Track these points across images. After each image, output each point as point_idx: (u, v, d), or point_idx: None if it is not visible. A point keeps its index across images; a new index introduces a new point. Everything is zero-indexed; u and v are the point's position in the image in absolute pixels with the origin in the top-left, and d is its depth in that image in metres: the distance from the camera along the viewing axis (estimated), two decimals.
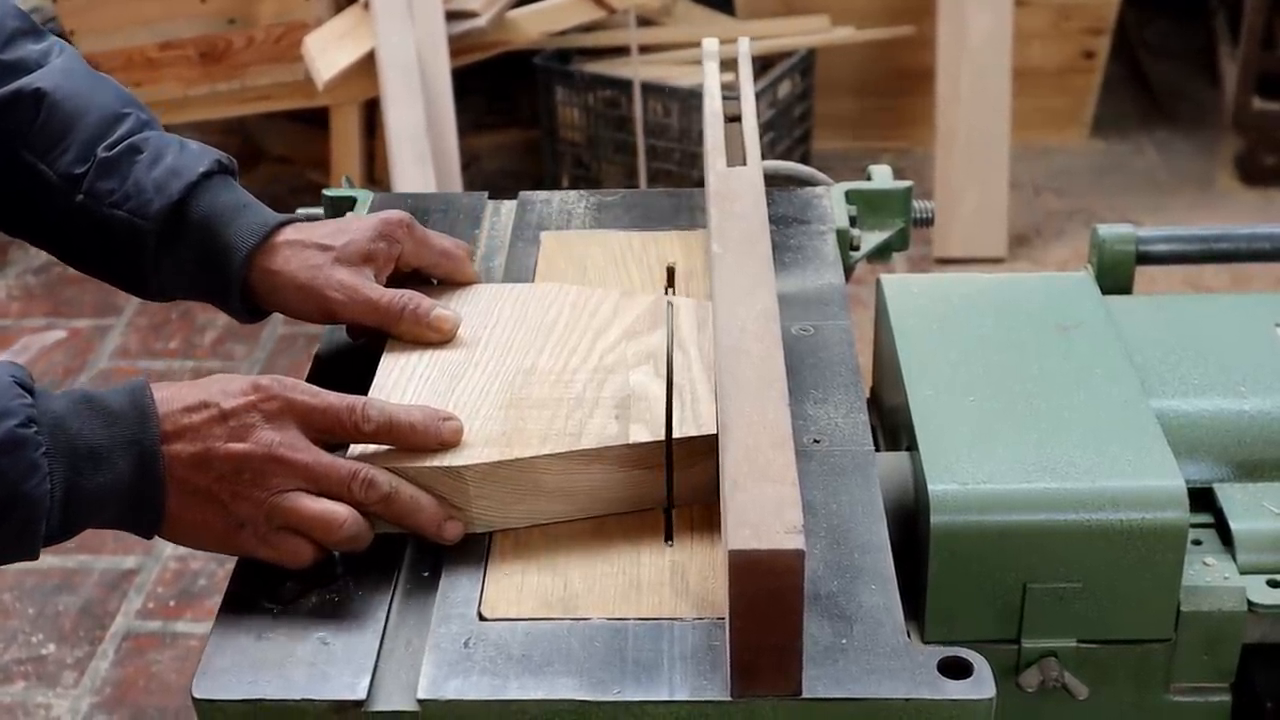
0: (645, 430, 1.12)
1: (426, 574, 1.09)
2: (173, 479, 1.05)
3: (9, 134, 1.26)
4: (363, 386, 1.20)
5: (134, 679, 2.57)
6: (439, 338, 1.24)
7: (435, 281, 1.33)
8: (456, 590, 1.06)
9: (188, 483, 1.05)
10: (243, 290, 1.26)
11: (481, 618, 1.04)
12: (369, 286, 1.25)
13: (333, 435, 1.10)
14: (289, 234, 1.27)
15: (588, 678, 0.98)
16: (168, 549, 2.84)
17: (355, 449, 1.11)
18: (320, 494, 1.07)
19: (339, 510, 1.06)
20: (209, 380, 1.09)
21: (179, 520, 1.06)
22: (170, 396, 1.07)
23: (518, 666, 0.99)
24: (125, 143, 1.27)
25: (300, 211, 1.33)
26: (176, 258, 1.26)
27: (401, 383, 1.20)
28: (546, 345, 1.24)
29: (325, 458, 1.08)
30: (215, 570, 2.79)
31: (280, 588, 1.07)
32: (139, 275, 1.29)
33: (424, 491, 1.09)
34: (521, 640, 1.01)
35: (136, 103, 1.32)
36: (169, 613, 2.71)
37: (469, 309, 1.29)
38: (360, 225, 1.29)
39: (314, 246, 1.25)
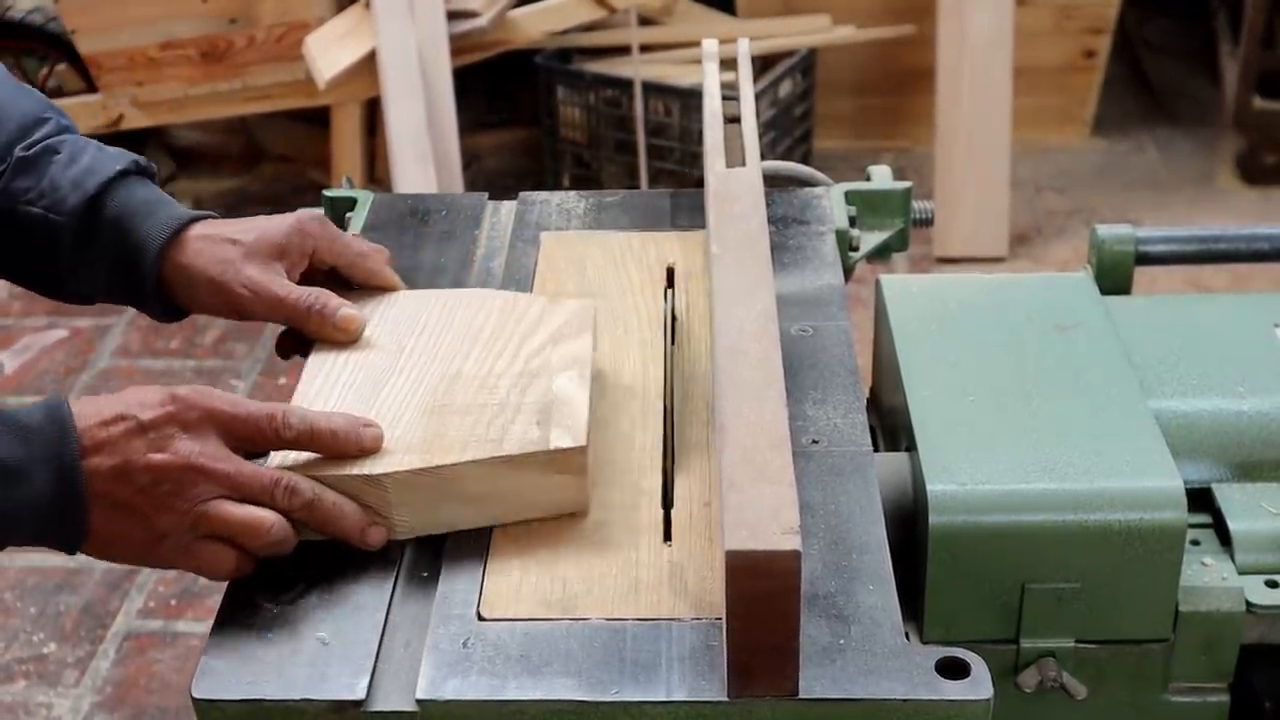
0: (567, 436, 1.11)
1: (425, 574, 1.09)
2: (94, 493, 1.03)
3: None
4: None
5: (135, 678, 2.57)
6: (345, 338, 1.23)
7: (355, 286, 1.31)
8: (455, 590, 1.06)
9: (109, 496, 1.04)
10: (158, 286, 1.25)
11: (480, 618, 1.04)
12: (278, 283, 1.24)
13: (253, 444, 1.09)
14: (201, 229, 1.26)
15: (586, 678, 0.98)
16: None
17: (276, 458, 1.11)
18: (238, 498, 1.06)
19: (265, 515, 1.06)
20: (127, 392, 1.08)
21: (101, 534, 1.05)
22: (87, 412, 1.05)
23: (516, 667, 0.99)
24: (43, 144, 1.27)
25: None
26: (91, 255, 1.26)
27: (325, 389, 1.19)
28: (473, 351, 1.22)
29: (247, 467, 1.07)
30: None
31: (279, 589, 1.07)
32: (55, 275, 1.28)
33: (346, 499, 1.09)
34: (520, 640, 1.02)
35: (58, 110, 1.33)
36: (170, 612, 2.71)
37: (396, 314, 1.28)
38: (273, 221, 1.28)
39: (225, 241, 1.25)
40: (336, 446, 1.10)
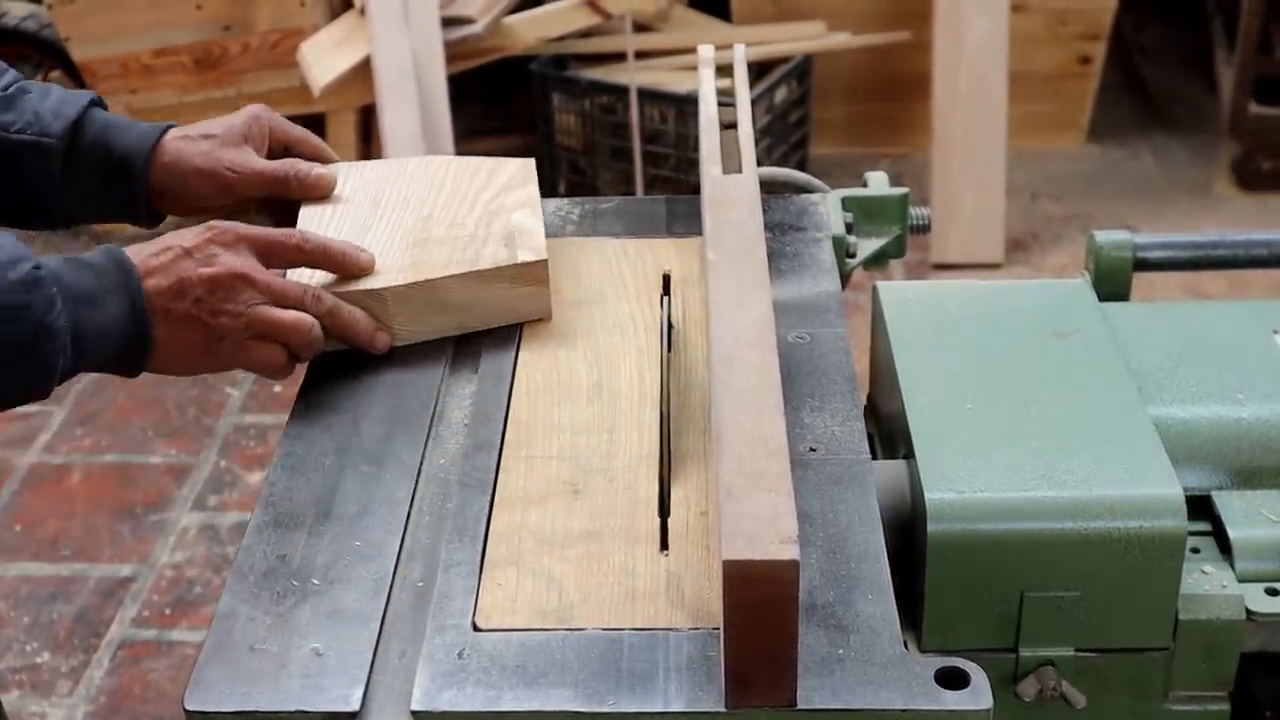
0: (531, 253, 1.33)
1: (421, 584, 1.08)
2: (156, 310, 1.20)
3: None
4: (358, 388, 1.26)
5: (129, 688, 2.56)
6: (321, 194, 1.42)
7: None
8: (451, 600, 1.05)
9: (170, 311, 1.20)
10: (147, 190, 1.38)
11: (476, 628, 1.03)
12: (257, 160, 1.41)
13: (280, 259, 1.28)
14: (176, 132, 1.41)
15: (582, 689, 0.98)
16: (163, 557, 2.83)
17: (292, 275, 1.30)
18: (277, 304, 1.24)
19: (306, 316, 1.26)
20: (165, 235, 1.25)
21: (166, 346, 1.21)
22: (137, 249, 1.22)
23: (512, 678, 0.99)
24: (14, 85, 1.39)
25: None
26: (81, 171, 1.38)
27: (320, 232, 1.35)
28: (438, 199, 1.43)
29: (280, 278, 1.26)
30: (211, 578, 2.78)
31: (273, 599, 1.06)
32: (43, 202, 1.39)
33: (358, 309, 1.29)
34: (516, 651, 1.01)
35: (9, 66, 1.43)
36: (164, 621, 2.70)
37: (358, 178, 1.46)
38: (231, 117, 1.44)
39: (201, 137, 1.40)
40: (343, 262, 1.30)
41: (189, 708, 0.98)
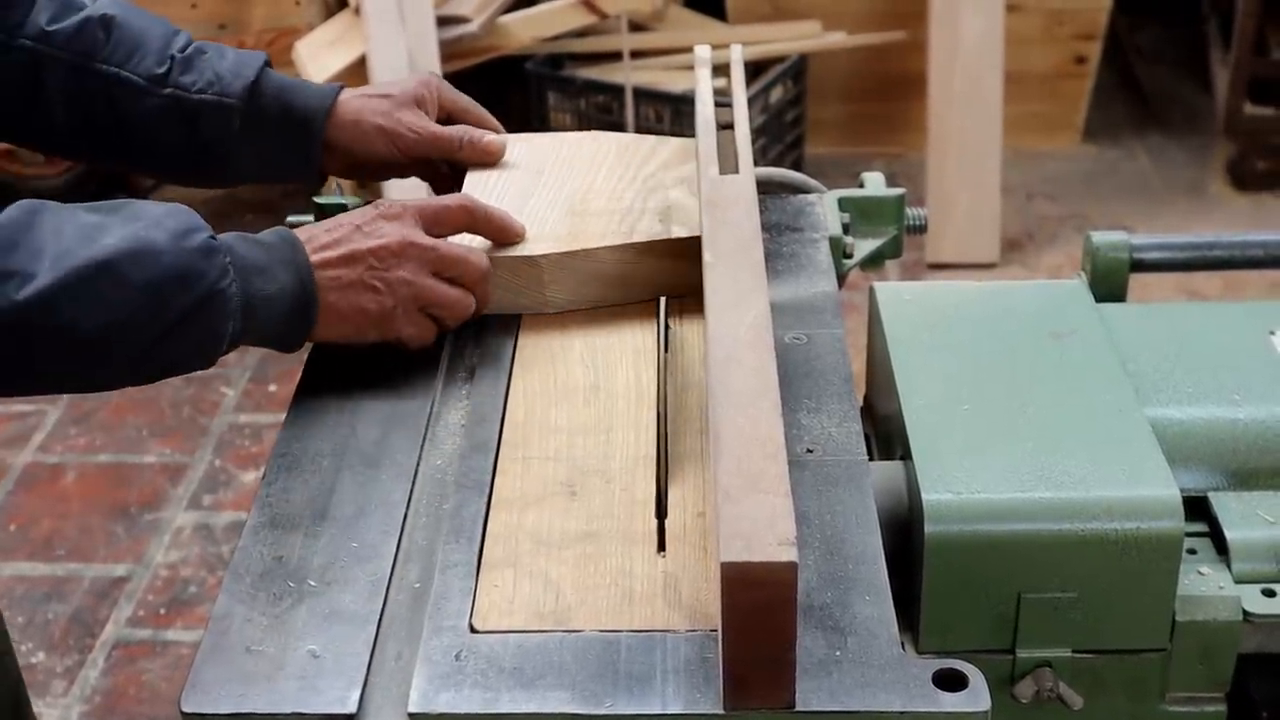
0: (684, 229, 1.35)
1: (417, 585, 1.08)
2: (326, 281, 1.24)
3: (85, 55, 1.41)
4: (354, 389, 1.27)
5: (124, 688, 2.56)
6: (493, 159, 1.48)
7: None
8: (448, 602, 1.05)
9: (340, 279, 1.25)
10: (322, 148, 1.44)
11: (473, 630, 1.03)
12: (432, 124, 1.47)
13: (446, 225, 1.32)
14: (350, 92, 1.48)
15: (580, 691, 0.97)
16: (158, 556, 2.83)
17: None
18: (444, 272, 1.29)
19: (468, 297, 1.31)
20: (337, 215, 1.30)
21: (335, 312, 1.25)
22: (308, 228, 1.28)
23: (509, 679, 0.98)
24: (192, 46, 1.44)
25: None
26: (260, 129, 1.43)
27: (484, 199, 1.38)
28: (599, 173, 1.47)
29: (445, 242, 1.30)
30: (206, 578, 2.78)
31: (270, 600, 1.06)
32: (220, 159, 1.45)
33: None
34: (513, 653, 1.00)
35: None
36: (160, 621, 2.70)
37: (526, 149, 1.51)
38: (404, 81, 1.51)
39: (377, 97, 1.47)
40: (502, 227, 1.35)
41: (186, 710, 0.98)
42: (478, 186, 1.44)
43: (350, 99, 1.46)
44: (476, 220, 1.34)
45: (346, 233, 1.27)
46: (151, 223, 1.15)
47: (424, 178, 1.51)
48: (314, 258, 1.24)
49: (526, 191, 1.44)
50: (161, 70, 1.41)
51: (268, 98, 1.43)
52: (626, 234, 1.36)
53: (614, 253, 1.34)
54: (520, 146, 1.51)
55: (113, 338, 1.13)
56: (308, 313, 1.24)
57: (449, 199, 1.34)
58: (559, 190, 1.44)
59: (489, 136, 1.48)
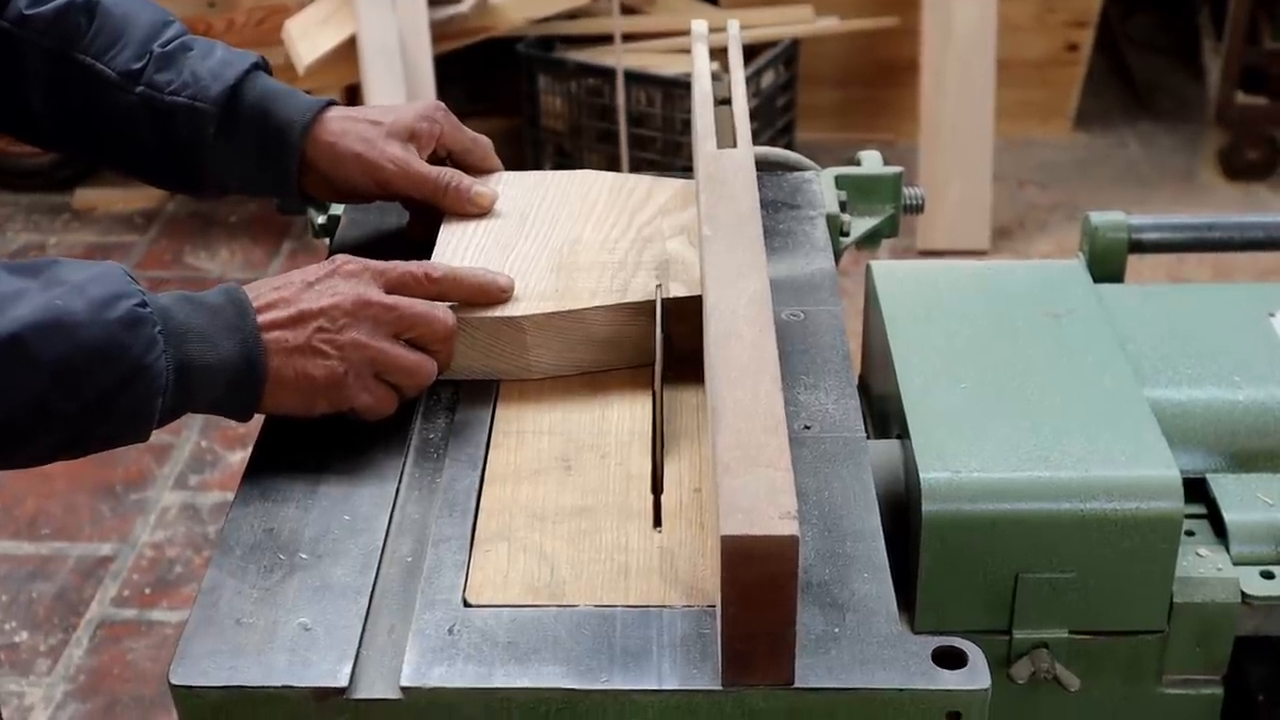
0: (684, 287, 1.22)
1: (410, 558, 1.06)
2: (272, 344, 1.12)
3: (64, 42, 1.33)
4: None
5: (108, 667, 2.54)
6: (478, 211, 1.35)
7: (464, 169, 1.40)
8: (441, 576, 1.04)
9: (286, 342, 1.12)
10: (299, 165, 1.33)
11: (466, 604, 1.01)
12: (419, 162, 1.34)
13: (405, 291, 1.18)
14: (339, 111, 1.35)
15: (575, 666, 0.96)
16: (144, 536, 2.81)
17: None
18: (404, 334, 1.16)
19: (429, 362, 1.18)
20: (289, 272, 1.19)
21: (281, 381, 1.12)
22: (256, 286, 1.16)
23: (503, 654, 0.97)
24: (176, 41, 1.34)
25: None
26: (235, 139, 1.33)
27: (459, 253, 1.29)
28: (589, 220, 1.34)
29: (405, 298, 1.17)
30: (192, 557, 2.76)
31: (260, 572, 1.05)
32: (197, 166, 1.34)
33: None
34: (507, 627, 0.99)
35: (175, 16, 1.39)
36: (145, 600, 2.68)
37: (514, 191, 1.38)
38: (403, 107, 1.39)
39: (365, 121, 1.34)
40: (478, 288, 1.21)
41: (174, 682, 0.96)
42: (454, 235, 1.32)
43: (335, 118, 1.34)
44: (445, 289, 1.20)
45: (297, 290, 1.15)
46: (72, 289, 1.04)
47: (405, 207, 1.40)
48: (260, 318, 1.12)
49: (508, 241, 1.31)
50: (138, 66, 1.32)
51: (247, 105, 1.32)
52: (620, 292, 1.23)
53: (605, 314, 1.21)
54: (506, 187, 1.39)
55: (25, 420, 1.03)
56: (253, 383, 1.12)
57: (412, 266, 1.20)
58: (544, 240, 1.31)
59: (477, 187, 1.35)
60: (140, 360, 1.05)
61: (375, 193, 1.35)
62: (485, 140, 1.43)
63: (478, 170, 1.41)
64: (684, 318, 1.20)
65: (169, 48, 1.33)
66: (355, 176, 1.33)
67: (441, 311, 1.18)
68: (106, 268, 1.07)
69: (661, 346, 1.20)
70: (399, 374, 1.16)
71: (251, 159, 1.34)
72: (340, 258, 1.18)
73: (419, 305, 1.17)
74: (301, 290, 1.15)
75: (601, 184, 1.40)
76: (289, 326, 1.13)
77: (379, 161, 1.32)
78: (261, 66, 1.36)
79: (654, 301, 1.20)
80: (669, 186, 1.38)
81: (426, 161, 1.36)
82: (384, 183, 1.33)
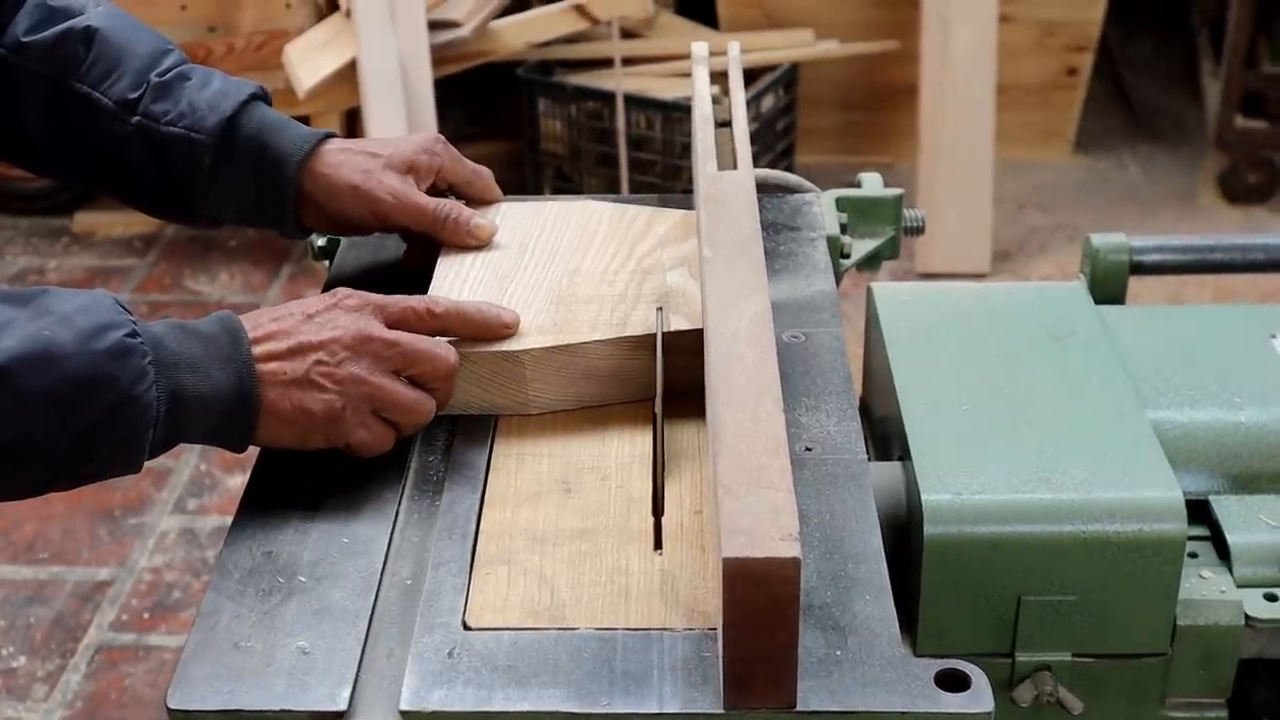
0: (685, 320, 1.21)
1: (409, 581, 1.06)
2: (268, 376, 1.11)
3: (60, 69, 1.32)
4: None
5: (106, 692, 2.53)
6: (477, 244, 1.34)
7: (465, 200, 1.40)
8: (440, 599, 1.03)
9: (284, 374, 1.11)
10: (296, 197, 1.32)
11: (466, 627, 1.01)
12: (417, 193, 1.33)
13: (407, 326, 1.17)
14: (337, 143, 1.35)
15: (575, 689, 0.95)
16: (142, 560, 2.80)
17: None
18: (404, 371, 1.15)
19: (428, 400, 1.16)
20: (288, 303, 1.17)
21: (277, 414, 1.11)
22: (254, 315, 1.14)
23: (503, 677, 0.96)
24: (174, 70, 1.33)
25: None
26: (231, 170, 1.32)
27: (457, 285, 1.28)
28: (589, 251, 1.33)
29: (407, 334, 1.16)
30: (190, 582, 2.75)
31: (259, 595, 1.04)
32: (193, 196, 1.34)
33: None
34: (507, 650, 0.99)
35: (175, 44, 1.38)
36: (143, 625, 2.67)
37: (512, 223, 1.37)
38: (402, 139, 1.38)
39: (363, 153, 1.34)
40: (481, 324, 1.20)
41: (172, 706, 0.96)
42: (452, 266, 1.31)
43: (333, 150, 1.33)
44: (448, 325, 1.18)
45: (296, 322, 1.13)
46: (61, 320, 1.03)
47: (403, 238, 1.39)
48: (256, 349, 1.11)
49: (507, 273, 1.30)
50: (134, 95, 1.31)
51: (244, 136, 1.31)
52: (619, 325, 1.21)
53: (605, 347, 1.20)
54: (501, 217, 1.38)
55: (14, 452, 1.02)
56: (247, 415, 1.10)
57: (413, 301, 1.18)
58: (543, 272, 1.30)
59: (476, 219, 1.34)
60: (129, 391, 1.03)
61: (373, 225, 1.34)
62: (486, 172, 1.42)
63: (479, 202, 1.40)
64: (684, 351, 1.19)
65: (166, 77, 1.32)
66: (352, 209, 1.32)
67: (443, 349, 1.16)
68: (96, 297, 1.06)
69: (663, 372, 1.20)
70: (397, 411, 1.14)
71: (247, 191, 1.33)
72: (341, 291, 1.17)
73: (421, 342, 1.15)
74: (301, 322, 1.13)
75: (601, 214, 1.39)
76: (287, 358, 1.11)
77: (376, 194, 1.31)
78: (260, 96, 1.35)
79: (654, 335, 1.19)
80: (669, 217, 1.37)
81: (426, 194, 1.35)
82: (382, 215, 1.32)
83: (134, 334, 1.05)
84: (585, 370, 1.20)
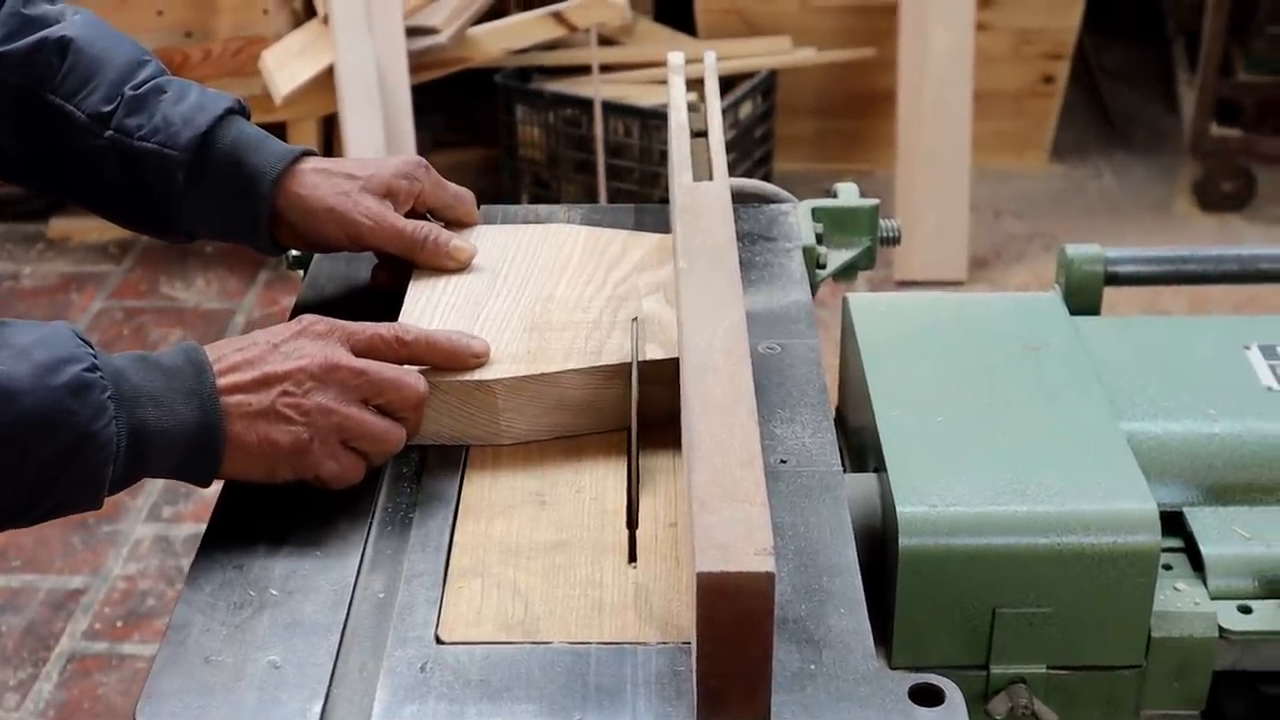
0: (660, 349, 1.19)
1: (382, 595, 1.05)
2: (233, 408, 1.08)
3: (34, 80, 1.30)
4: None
5: (78, 701, 2.51)
6: (456, 266, 1.32)
7: (443, 224, 1.38)
8: (413, 612, 1.03)
9: (249, 406, 1.09)
10: (271, 216, 1.30)
11: (439, 641, 1.00)
12: (394, 215, 1.32)
13: (375, 354, 1.15)
14: (314, 162, 1.33)
15: (548, 704, 0.95)
16: (116, 568, 2.79)
17: None
18: (372, 400, 1.12)
19: (398, 429, 1.14)
20: (253, 331, 1.15)
21: (243, 447, 1.09)
22: (218, 346, 1.12)
23: (476, 692, 0.96)
24: (150, 83, 1.31)
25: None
26: (205, 187, 1.30)
27: (428, 311, 1.26)
28: (563, 277, 1.31)
29: (375, 362, 1.13)
30: (164, 590, 2.74)
31: (229, 609, 1.03)
32: (167, 211, 1.32)
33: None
34: (480, 664, 0.98)
35: (153, 54, 1.36)
36: (116, 634, 2.65)
37: (486, 246, 1.35)
38: (382, 161, 1.36)
39: (341, 175, 1.32)
40: (451, 353, 1.17)
41: None
42: (424, 291, 1.28)
43: (309, 169, 1.31)
44: (417, 353, 1.16)
45: (261, 352, 1.11)
46: (18, 354, 1.01)
47: (377, 255, 1.37)
48: (221, 380, 1.08)
49: (480, 299, 1.27)
50: (108, 109, 1.29)
51: (218, 152, 1.29)
52: (594, 354, 1.19)
53: (579, 377, 1.18)
54: (475, 240, 1.36)
55: None
56: (212, 449, 1.08)
57: (383, 329, 1.16)
58: (517, 298, 1.28)
59: (455, 242, 1.32)
60: (87, 427, 1.01)
61: (348, 246, 1.32)
62: (468, 196, 1.40)
63: (460, 226, 1.39)
64: (660, 381, 1.16)
65: (141, 90, 1.30)
66: (327, 229, 1.31)
67: (412, 378, 1.14)
68: (55, 329, 1.04)
69: (638, 402, 1.17)
70: (366, 441, 1.12)
71: (221, 208, 1.31)
72: (308, 318, 1.15)
73: (388, 370, 1.13)
74: (267, 352, 1.11)
75: (576, 238, 1.37)
76: (252, 390, 1.09)
77: (352, 215, 1.29)
78: (238, 110, 1.33)
79: (627, 364, 1.17)
80: (645, 241, 1.36)
81: (407, 216, 1.33)
82: (357, 237, 1.31)
83: (93, 368, 1.03)
84: (559, 400, 1.18)
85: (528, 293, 1.28)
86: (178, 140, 1.28)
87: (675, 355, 1.13)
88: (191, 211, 1.32)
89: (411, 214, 1.35)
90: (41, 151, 1.32)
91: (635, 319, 1.23)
